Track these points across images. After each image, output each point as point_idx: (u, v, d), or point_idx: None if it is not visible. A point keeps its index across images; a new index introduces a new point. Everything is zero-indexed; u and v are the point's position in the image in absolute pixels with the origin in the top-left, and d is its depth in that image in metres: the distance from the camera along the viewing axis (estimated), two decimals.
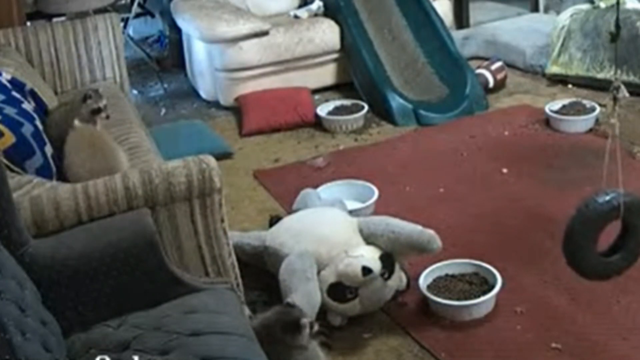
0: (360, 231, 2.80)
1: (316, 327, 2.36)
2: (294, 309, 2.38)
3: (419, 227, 2.75)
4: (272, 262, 2.85)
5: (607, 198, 2.38)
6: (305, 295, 2.56)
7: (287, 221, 3.01)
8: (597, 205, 2.38)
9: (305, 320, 2.33)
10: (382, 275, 2.70)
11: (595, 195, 2.41)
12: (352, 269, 2.66)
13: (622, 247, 2.48)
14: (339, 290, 2.68)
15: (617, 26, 2.47)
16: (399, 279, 2.81)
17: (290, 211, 3.34)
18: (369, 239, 2.78)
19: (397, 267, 2.78)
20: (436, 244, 2.71)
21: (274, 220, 3.22)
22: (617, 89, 2.44)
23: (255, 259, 2.94)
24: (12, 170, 2.46)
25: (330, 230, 2.82)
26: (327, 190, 3.55)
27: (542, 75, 5.07)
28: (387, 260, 2.73)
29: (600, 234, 2.41)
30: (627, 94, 2.49)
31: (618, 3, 2.60)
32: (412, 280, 2.86)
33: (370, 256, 2.71)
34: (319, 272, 2.69)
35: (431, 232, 2.73)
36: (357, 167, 3.97)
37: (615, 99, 2.45)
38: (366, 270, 2.63)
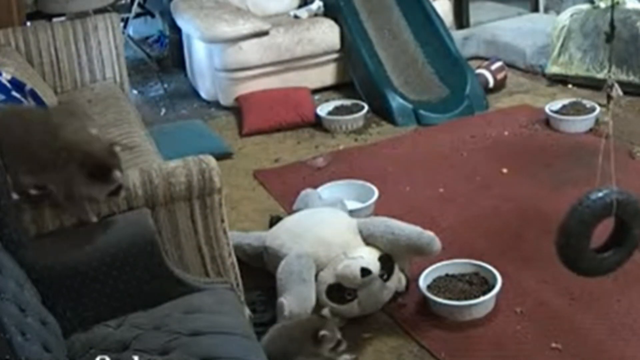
0: (360, 232, 2.80)
1: (343, 347, 2.39)
2: (323, 319, 2.41)
3: (419, 229, 2.74)
4: (271, 262, 2.85)
5: (600, 195, 2.38)
6: (298, 296, 2.56)
7: (287, 222, 3.01)
8: (590, 202, 2.38)
9: (325, 333, 2.34)
10: (381, 276, 2.70)
11: (588, 193, 2.41)
12: (350, 271, 2.65)
13: (616, 244, 2.48)
14: (337, 291, 2.68)
15: (612, 26, 2.49)
16: (398, 280, 2.81)
17: (290, 211, 3.34)
18: (368, 239, 2.78)
19: (396, 268, 2.78)
20: (436, 246, 2.71)
21: (274, 221, 3.22)
22: (611, 87, 2.44)
23: (255, 259, 2.94)
24: None
25: (329, 232, 2.82)
26: (327, 190, 3.55)
27: (542, 75, 5.07)
28: (387, 262, 2.73)
29: (594, 230, 2.41)
30: (620, 92, 2.49)
31: (612, 5, 2.61)
32: (412, 280, 2.86)
33: (369, 257, 2.70)
34: (318, 273, 2.69)
35: (431, 234, 2.72)
36: (357, 167, 3.97)
37: (609, 97, 2.46)
38: (365, 272, 2.63)
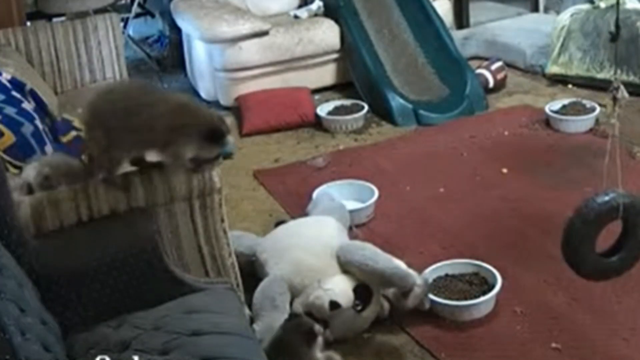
0: (338, 258, 2.74)
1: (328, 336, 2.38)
2: (301, 318, 2.38)
3: (395, 263, 2.66)
4: (259, 274, 2.84)
5: (606, 199, 2.37)
6: (268, 323, 2.53)
7: (277, 233, 2.99)
8: (596, 205, 2.37)
9: (318, 327, 2.34)
10: (354, 307, 2.64)
11: (594, 195, 2.40)
12: (320, 303, 2.61)
13: (622, 247, 2.47)
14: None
15: (617, 26, 2.47)
16: (379, 307, 2.73)
17: (291, 212, 3.33)
18: (344, 266, 2.72)
19: (374, 297, 2.69)
20: (410, 282, 2.62)
21: (278, 225, 3.18)
22: (617, 89, 2.44)
23: (248, 265, 2.89)
24: (14, 167, 2.47)
25: (306, 257, 2.76)
26: (327, 191, 3.55)
27: (542, 75, 5.07)
28: (362, 292, 2.66)
29: (599, 234, 2.41)
30: (626, 95, 2.48)
31: (618, 3, 2.60)
32: None
33: (342, 288, 2.64)
34: (293, 300, 2.67)
35: (406, 270, 2.64)
36: (357, 167, 3.97)
37: (615, 99, 2.45)
38: (333, 305, 2.59)
